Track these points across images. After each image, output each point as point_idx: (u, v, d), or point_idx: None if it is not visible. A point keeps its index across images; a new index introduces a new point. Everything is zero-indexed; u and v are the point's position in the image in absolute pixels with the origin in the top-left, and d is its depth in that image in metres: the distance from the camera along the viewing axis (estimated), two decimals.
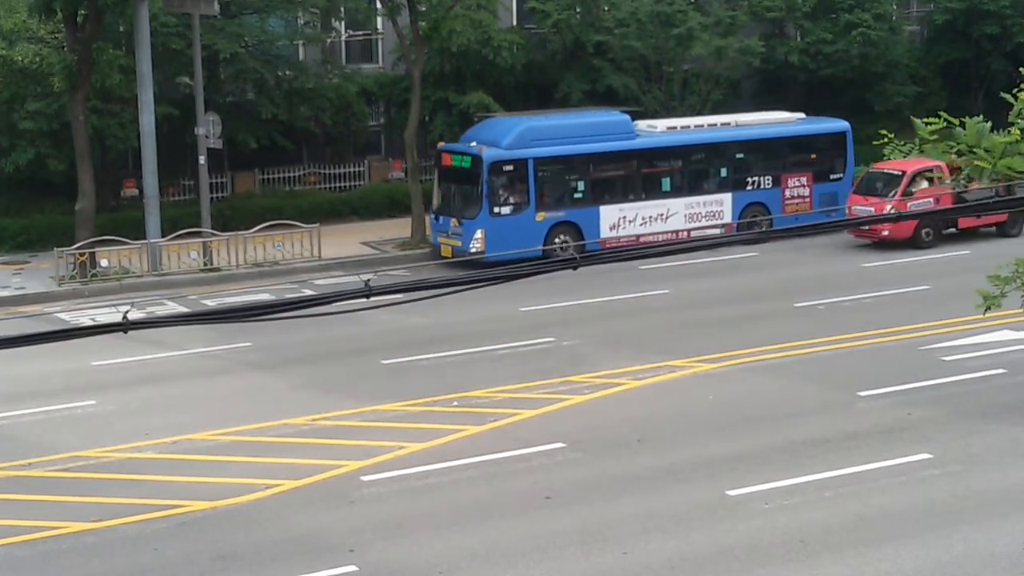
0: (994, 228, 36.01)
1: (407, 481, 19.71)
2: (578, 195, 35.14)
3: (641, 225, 35.39)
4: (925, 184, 34.50)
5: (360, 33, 44.31)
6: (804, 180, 37.23)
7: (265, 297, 30.45)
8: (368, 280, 9.54)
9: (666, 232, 35.26)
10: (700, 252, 32.68)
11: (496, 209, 34.15)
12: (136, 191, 37.77)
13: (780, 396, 23.27)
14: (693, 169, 36.46)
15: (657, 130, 36.47)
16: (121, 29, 37.46)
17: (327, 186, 42.23)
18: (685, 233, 35.23)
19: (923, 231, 34.78)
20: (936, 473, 19.46)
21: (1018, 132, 13.40)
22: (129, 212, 37.29)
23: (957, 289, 27.84)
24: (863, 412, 22.28)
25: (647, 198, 35.66)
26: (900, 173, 34.59)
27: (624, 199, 35.43)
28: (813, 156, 37.72)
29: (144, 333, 29.09)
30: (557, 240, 34.50)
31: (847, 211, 34.66)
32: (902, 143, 14.56)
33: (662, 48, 40.90)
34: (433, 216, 35.47)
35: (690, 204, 36.02)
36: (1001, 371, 24.25)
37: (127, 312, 9.82)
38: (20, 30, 35.57)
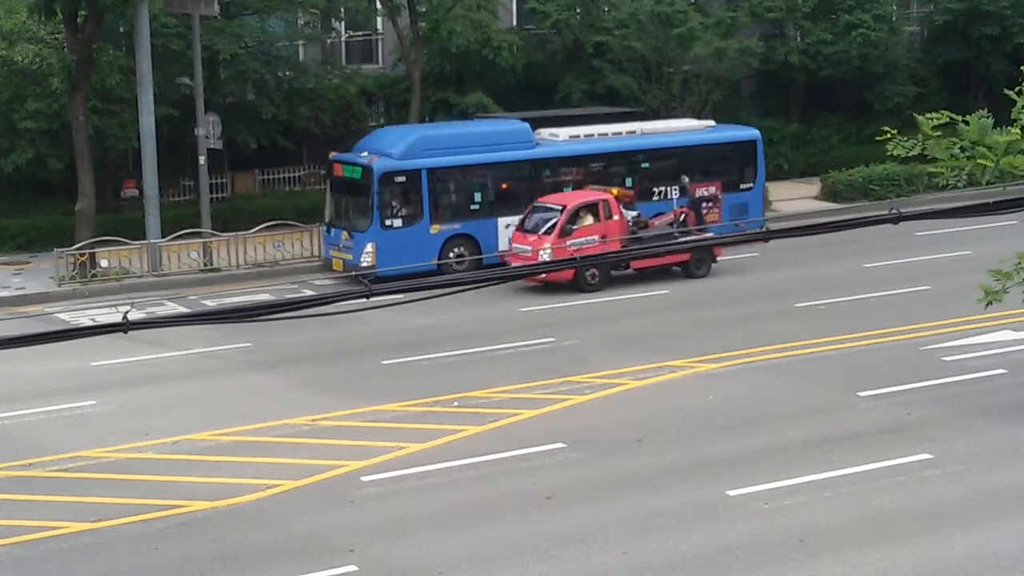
0: (679, 268, 32.42)
1: (407, 481, 19.72)
2: (475, 207, 33.68)
3: None
4: (590, 219, 31.37)
5: (360, 33, 44.30)
6: (713, 190, 35.05)
7: (265, 297, 30.44)
8: (368, 280, 9.54)
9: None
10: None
11: (388, 222, 32.60)
12: (136, 191, 37.76)
13: (780, 396, 23.28)
14: (596, 179, 34.67)
15: (559, 139, 34.99)
16: (121, 30, 37.49)
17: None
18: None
19: (587, 273, 31.19)
20: (936, 473, 19.47)
21: (1019, 130, 13.42)
22: (129, 212, 37.28)
23: (958, 289, 27.85)
24: (864, 412, 22.29)
25: None
26: (561, 208, 31.59)
27: (524, 210, 33.12)
28: (722, 165, 36.30)
29: (144, 333, 29.00)
30: (453, 253, 33.14)
31: (509, 252, 31.93)
32: (905, 139, 14.57)
33: (662, 49, 40.93)
34: (324, 229, 34.11)
35: None
36: (1002, 371, 24.25)
37: (127, 312, 9.82)
38: (20, 30, 35.60)
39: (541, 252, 30.72)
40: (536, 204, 32.49)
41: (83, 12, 34.09)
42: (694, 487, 19.23)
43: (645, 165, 35.63)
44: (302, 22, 41.44)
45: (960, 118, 13.70)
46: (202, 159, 35.56)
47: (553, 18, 42.35)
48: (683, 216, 32.94)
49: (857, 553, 16.83)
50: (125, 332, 9.41)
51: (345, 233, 33.10)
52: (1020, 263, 13.69)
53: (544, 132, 35.29)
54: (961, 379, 23.86)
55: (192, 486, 19.66)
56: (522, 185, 34.19)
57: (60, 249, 33.55)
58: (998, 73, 45.03)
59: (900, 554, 16.81)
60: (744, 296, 30.66)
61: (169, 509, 18.76)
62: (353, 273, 31.91)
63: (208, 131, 35.75)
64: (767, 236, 10.95)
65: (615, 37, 41.23)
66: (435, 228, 33.12)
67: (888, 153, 14.78)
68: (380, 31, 43.72)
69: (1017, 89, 14.23)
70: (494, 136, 34.36)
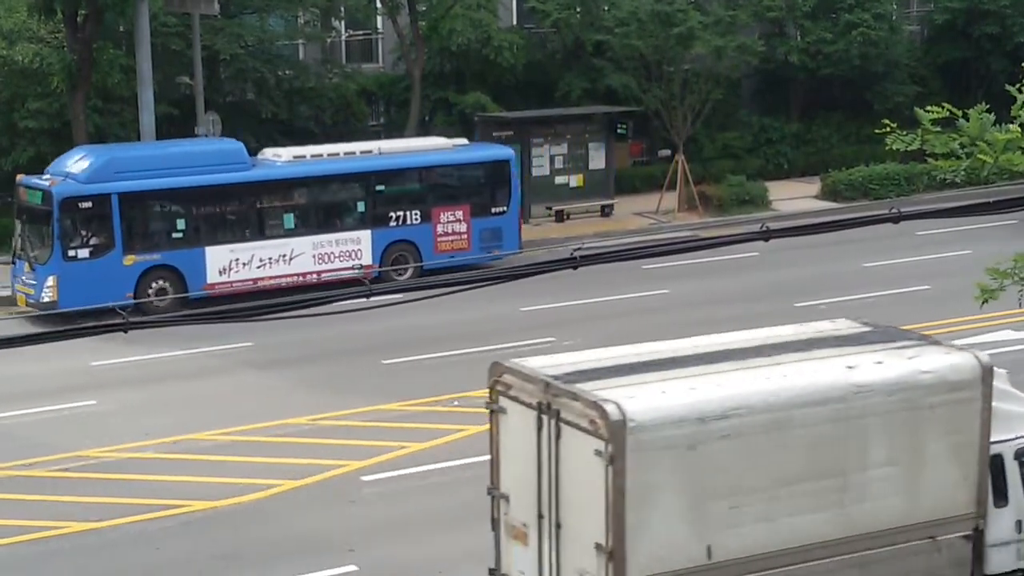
0: None
1: (408, 481, 19.73)
2: (177, 235, 30.68)
3: (259, 267, 31.15)
4: None
5: (360, 32, 44.31)
6: (460, 214, 33.39)
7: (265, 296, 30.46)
8: (368, 280, 9.55)
9: (291, 275, 31.39)
10: (700, 252, 32.68)
11: (71, 252, 29.45)
12: None
13: None
14: (323, 203, 32.37)
15: (281, 159, 32.25)
16: (121, 29, 37.49)
17: None
18: (315, 275, 31.46)
19: None
20: None
21: (1018, 128, 13.43)
22: None
23: (957, 289, 27.81)
24: None
25: (265, 237, 31.37)
26: None
27: (236, 238, 31.05)
28: (471, 186, 34.11)
29: (144, 332, 29.03)
30: (153, 287, 30.24)
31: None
32: (904, 133, 14.58)
33: (662, 47, 40.93)
34: (12, 260, 30.74)
35: (319, 243, 31.78)
36: (1002, 371, 24.19)
37: (128, 311, 9.81)
38: (20, 29, 35.62)
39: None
40: None
41: (83, 11, 34.14)
42: None
43: (381, 187, 32.90)
44: (302, 21, 41.45)
45: (960, 113, 13.72)
46: None
47: (553, 17, 42.32)
48: None
49: None
50: (125, 331, 9.43)
51: (28, 264, 29.97)
52: (1017, 264, 13.72)
53: (268, 152, 33.03)
54: None
55: (193, 486, 19.68)
56: (236, 211, 31.55)
57: None
58: (998, 72, 45.00)
59: None
60: (744, 296, 30.66)
61: (170, 509, 18.78)
62: (36, 312, 29.36)
63: (208, 130, 35.74)
64: (767, 236, 10.96)
65: (615, 36, 41.22)
66: (129, 259, 30.05)
67: (887, 147, 14.78)
68: (380, 30, 43.72)
69: (1018, 86, 14.22)
70: (200, 157, 31.40)
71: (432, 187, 33.68)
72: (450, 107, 41.09)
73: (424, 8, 39.06)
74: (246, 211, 31.62)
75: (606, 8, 42.94)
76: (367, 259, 32.29)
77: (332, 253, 32.05)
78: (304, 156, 32.61)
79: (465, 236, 33.61)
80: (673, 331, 27.73)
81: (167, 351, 26.45)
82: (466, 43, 39.82)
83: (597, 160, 40.50)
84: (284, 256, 31.48)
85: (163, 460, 20.86)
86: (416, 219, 33.08)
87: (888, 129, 14.67)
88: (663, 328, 28.10)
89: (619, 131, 40.84)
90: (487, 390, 13.83)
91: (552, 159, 39.93)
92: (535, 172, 39.32)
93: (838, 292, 30.49)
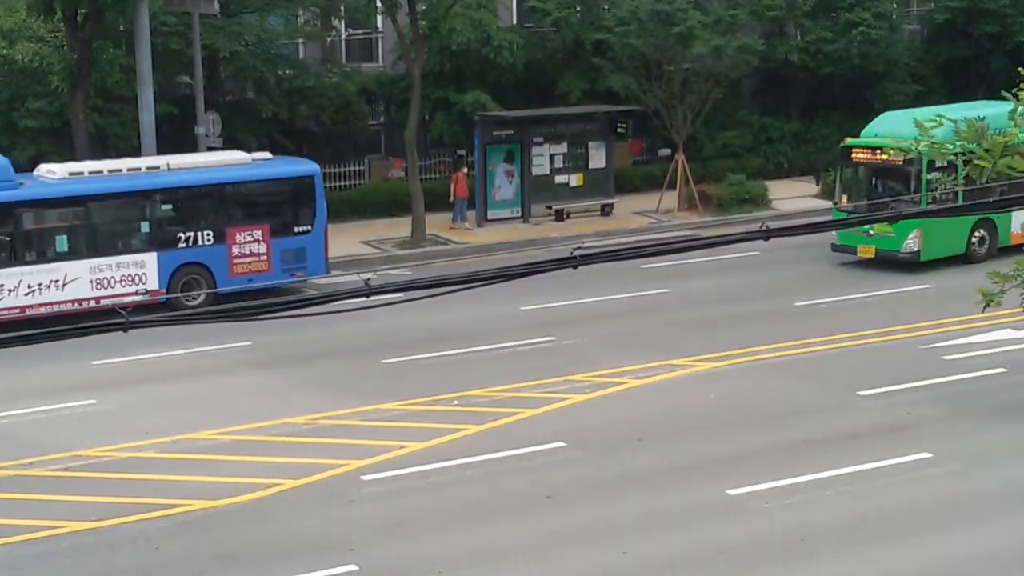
0: None
1: (407, 480, 19.73)
2: None
3: (27, 295, 28.58)
4: None
5: (360, 32, 44.29)
6: (259, 234, 31.09)
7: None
8: (368, 279, 9.53)
9: (65, 301, 28.85)
10: (700, 252, 32.68)
11: None
12: None
13: (780, 395, 23.28)
14: (101, 224, 29.79)
15: (55, 176, 29.65)
16: (121, 28, 37.49)
17: (327, 185, 42.09)
18: (93, 302, 28.96)
19: None
20: (936, 472, 19.47)
21: (1017, 131, 13.41)
22: None
23: (958, 288, 27.86)
24: (863, 411, 22.30)
25: (34, 261, 28.88)
26: None
27: (1, 263, 28.55)
28: (271, 205, 31.81)
29: (144, 332, 29.06)
30: None
31: None
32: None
33: (662, 47, 40.92)
34: None
35: (97, 267, 29.27)
36: (1001, 370, 24.25)
37: (128, 310, 9.80)
38: (20, 29, 35.65)
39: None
40: None
41: (83, 10, 34.14)
42: (694, 486, 19.23)
43: (168, 206, 30.45)
44: (302, 20, 41.45)
45: (955, 120, 13.69)
46: None
47: (553, 16, 42.31)
48: None
49: (857, 553, 16.84)
50: (125, 331, 9.41)
51: None
52: (1018, 267, 13.73)
53: (43, 168, 30.49)
54: (961, 378, 23.85)
55: (192, 485, 19.67)
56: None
57: None
58: (998, 71, 45.00)
59: (900, 553, 16.82)
60: (744, 295, 30.66)
61: (169, 508, 18.77)
62: None
63: (208, 129, 35.75)
64: (767, 235, 10.95)
65: (615, 35, 41.20)
66: None
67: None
68: (380, 29, 43.71)
69: (1014, 90, 14.20)
70: None
71: (226, 205, 31.17)
72: (450, 106, 41.10)
73: (424, 7, 39.04)
74: (11, 233, 28.92)
75: (606, 7, 42.93)
76: (152, 284, 30.01)
77: (112, 278, 29.60)
78: (82, 172, 30.10)
79: (265, 257, 31.23)
80: (673, 330, 27.84)
81: (166, 351, 26.45)
82: (466, 42, 39.81)
83: (597, 159, 40.53)
84: (56, 282, 28.99)
85: (162, 460, 20.85)
86: (208, 240, 30.66)
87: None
88: (663, 327, 28.14)
89: (619, 130, 40.86)
90: None
91: (552, 158, 39.96)
92: (535, 171, 39.36)
93: (838, 291, 30.50)
